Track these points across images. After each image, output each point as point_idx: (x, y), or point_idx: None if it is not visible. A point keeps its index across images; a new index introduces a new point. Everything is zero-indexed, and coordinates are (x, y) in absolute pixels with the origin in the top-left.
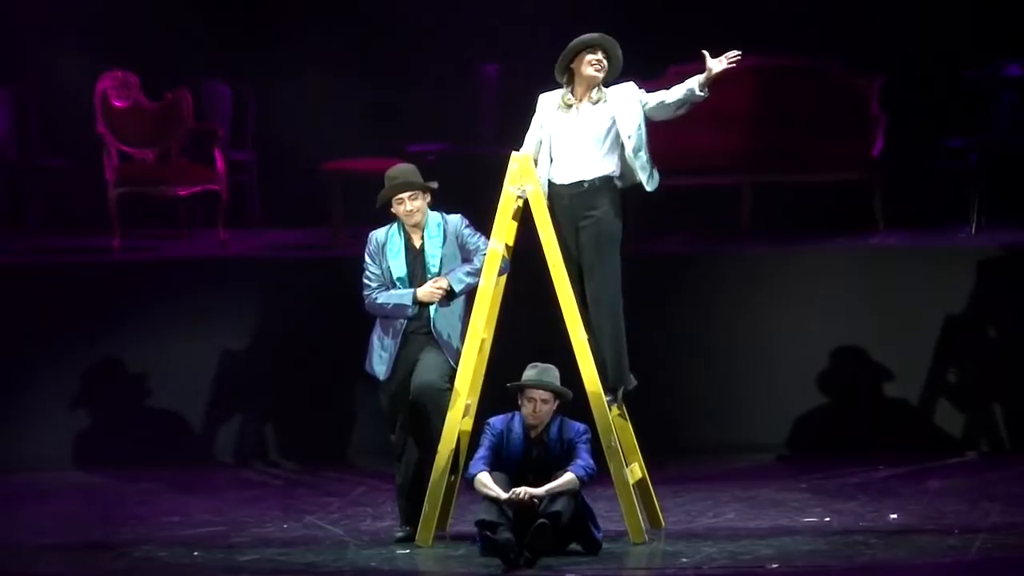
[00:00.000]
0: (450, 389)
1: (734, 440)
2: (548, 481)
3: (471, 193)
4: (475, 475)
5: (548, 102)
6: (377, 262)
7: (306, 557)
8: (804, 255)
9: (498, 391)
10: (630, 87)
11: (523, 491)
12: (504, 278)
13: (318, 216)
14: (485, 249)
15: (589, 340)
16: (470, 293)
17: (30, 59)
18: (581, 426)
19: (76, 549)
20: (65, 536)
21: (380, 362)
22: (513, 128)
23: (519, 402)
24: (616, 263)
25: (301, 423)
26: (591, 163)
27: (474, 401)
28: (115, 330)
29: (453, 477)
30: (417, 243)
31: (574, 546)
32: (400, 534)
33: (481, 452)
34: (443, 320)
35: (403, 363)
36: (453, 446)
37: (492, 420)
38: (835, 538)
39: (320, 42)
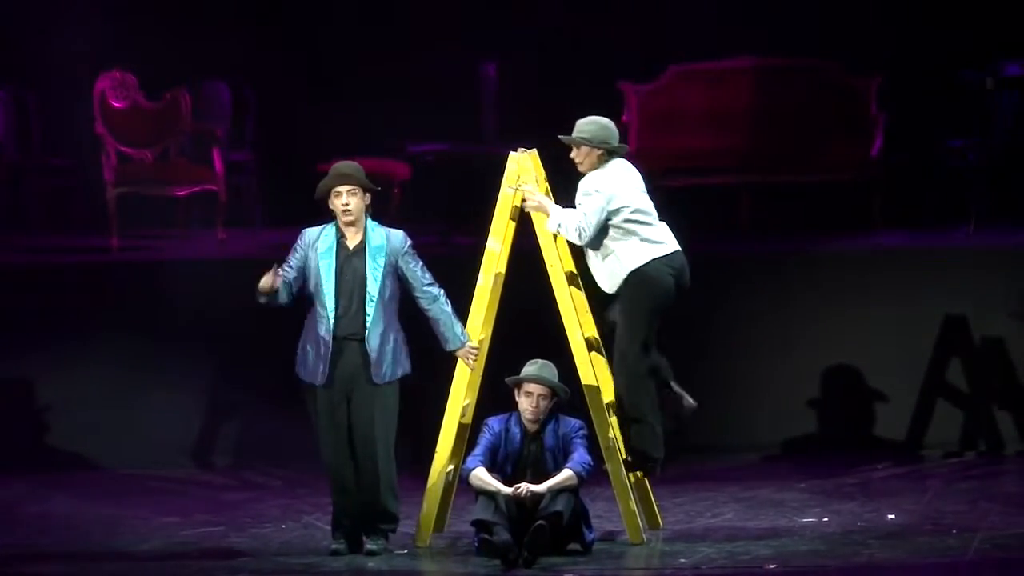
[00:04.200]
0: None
1: (732, 440)
2: (546, 479)
3: (470, 193)
4: (472, 470)
5: None
6: (300, 255)
7: (305, 558)
8: (802, 255)
9: (487, 393)
10: None
11: (524, 487)
12: (501, 278)
13: (317, 216)
14: (436, 291)
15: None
16: (403, 307)
17: (29, 59)
18: (577, 422)
19: (75, 550)
20: (65, 537)
21: (313, 369)
22: (513, 128)
23: (516, 397)
24: (632, 327)
25: (300, 424)
26: None
27: (472, 401)
28: (113, 330)
29: (451, 477)
30: (351, 245)
31: (573, 546)
32: (336, 546)
33: (477, 450)
34: (376, 334)
35: (339, 375)
36: (451, 446)
37: (490, 420)
38: (833, 538)
39: (318, 42)
